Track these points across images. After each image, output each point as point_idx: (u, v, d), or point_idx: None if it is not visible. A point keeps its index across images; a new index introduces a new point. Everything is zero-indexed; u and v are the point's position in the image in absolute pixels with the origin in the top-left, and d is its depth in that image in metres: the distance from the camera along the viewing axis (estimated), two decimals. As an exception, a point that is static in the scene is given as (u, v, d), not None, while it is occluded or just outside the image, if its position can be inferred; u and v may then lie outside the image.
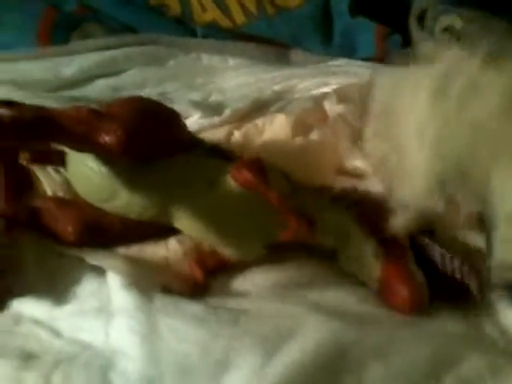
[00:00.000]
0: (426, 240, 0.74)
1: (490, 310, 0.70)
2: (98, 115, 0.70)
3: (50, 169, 0.85)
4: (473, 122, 0.75)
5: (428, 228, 0.75)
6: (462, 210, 0.75)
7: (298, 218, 0.69)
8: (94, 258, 0.71)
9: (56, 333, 0.65)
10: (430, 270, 0.71)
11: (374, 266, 0.71)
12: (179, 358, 0.58)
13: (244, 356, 0.58)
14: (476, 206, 0.75)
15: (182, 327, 0.61)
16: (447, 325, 0.67)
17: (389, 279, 0.70)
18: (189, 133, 0.83)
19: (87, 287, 0.69)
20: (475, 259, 0.73)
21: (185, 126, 0.83)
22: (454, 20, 1.23)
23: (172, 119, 0.79)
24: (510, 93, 0.75)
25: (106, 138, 0.68)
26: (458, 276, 0.70)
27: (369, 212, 0.76)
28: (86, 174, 0.75)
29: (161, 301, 0.65)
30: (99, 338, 0.63)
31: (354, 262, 0.74)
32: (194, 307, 0.64)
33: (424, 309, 0.68)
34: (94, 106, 0.79)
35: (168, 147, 0.75)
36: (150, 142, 0.72)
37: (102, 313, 0.65)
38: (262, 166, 0.73)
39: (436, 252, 0.72)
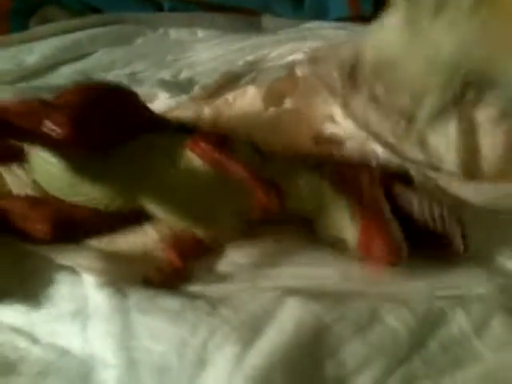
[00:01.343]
0: (403, 188, 0.71)
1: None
2: (46, 106, 0.67)
3: (14, 166, 0.82)
4: (451, 23, 0.78)
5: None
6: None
7: (265, 187, 0.66)
8: (65, 258, 0.68)
9: (34, 339, 0.62)
10: (409, 222, 0.68)
11: (351, 227, 0.69)
12: (156, 358, 0.56)
13: (222, 349, 0.55)
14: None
15: (158, 325, 0.58)
16: (431, 285, 0.64)
17: (367, 238, 0.67)
18: (152, 113, 0.79)
19: (63, 288, 0.66)
20: (456, 208, 0.70)
21: (145, 106, 0.79)
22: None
23: (127, 101, 0.75)
24: None
25: (54, 129, 0.64)
26: (438, 225, 0.67)
27: (344, 170, 0.74)
28: (46, 168, 0.72)
29: (136, 297, 0.62)
30: (77, 344, 0.60)
31: (331, 226, 0.72)
32: (170, 301, 0.61)
33: (403, 262, 0.65)
34: (50, 96, 0.76)
35: (124, 131, 0.71)
36: (102, 128, 0.69)
37: (78, 315, 0.62)
38: (222, 136, 0.70)
39: (414, 200, 0.69)
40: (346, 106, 0.89)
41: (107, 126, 0.70)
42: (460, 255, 0.67)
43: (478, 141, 0.82)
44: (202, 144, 0.68)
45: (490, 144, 0.81)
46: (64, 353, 0.60)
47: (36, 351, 0.61)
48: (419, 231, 0.68)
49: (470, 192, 0.78)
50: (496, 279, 0.64)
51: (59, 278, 0.67)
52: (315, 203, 0.73)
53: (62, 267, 0.68)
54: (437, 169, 0.81)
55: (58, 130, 0.64)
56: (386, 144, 0.82)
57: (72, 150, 0.68)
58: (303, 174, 0.74)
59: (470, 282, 0.64)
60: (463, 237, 0.67)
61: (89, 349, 0.60)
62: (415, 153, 0.82)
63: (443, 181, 0.79)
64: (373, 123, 0.86)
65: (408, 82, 0.83)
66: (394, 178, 0.73)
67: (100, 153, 0.69)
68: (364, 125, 0.86)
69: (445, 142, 0.82)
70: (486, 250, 0.70)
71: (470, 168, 0.81)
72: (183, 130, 0.75)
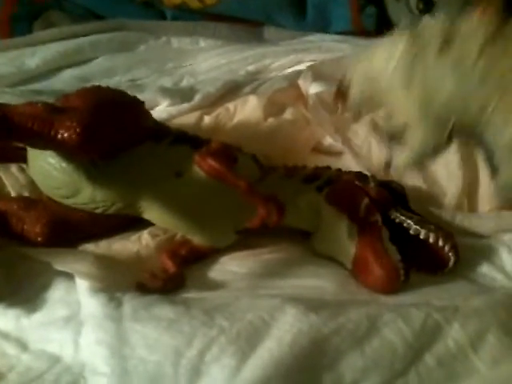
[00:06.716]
0: (399, 213, 0.72)
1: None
2: (54, 110, 0.67)
3: (13, 168, 0.82)
4: (456, 64, 0.76)
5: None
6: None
7: (267, 205, 0.65)
8: (60, 263, 0.67)
9: (23, 346, 0.61)
10: (404, 239, 0.69)
11: (348, 246, 0.69)
12: (150, 368, 0.55)
13: (219, 360, 0.55)
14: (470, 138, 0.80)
15: (154, 334, 0.57)
16: (428, 297, 0.64)
17: (363, 258, 0.68)
18: (154, 121, 0.80)
19: (56, 293, 0.65)
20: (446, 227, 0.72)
21: (148, 114, 0.79)
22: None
23: (133, 109, 0.75)
24: (491, 34, 0.75)
25: (64, 135, 0.64)
26: (431, 240, 0.68)
27: (342, 191, 0.74)
28: (46, 170, 0.72)
29: (131, 304, 0.61)
30: (68, 351, 0.59)
31: (328, 243, 0.72)
32: (165, 309, 0.60)
33: (399, 286, 0.66)
34: (50, 100, 0.76)
35: (130, 138, 0.71)
36: (110, 135, 0.69)
37: (71, 322, 0.62)
38: (228, 152, 0.70)
39: (409, 220, 0.71)
40: (346, 141, 0.89)
41: (115, 133, 0.69)
42: (450, 265, 0.68)
43: (478, 172, 0.82)
44: (210, 161, 0.69)
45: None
46: (55, 360, 0.59)
47: (25, 358, 0.60)
48: (413, 246, 0.69)
49: (474, 222, 0.78)
50: (492, 293, 0.64)
51: (53, 282, 0.66)
52: (313, 220, 0.73)
53: (57, 272, 0.67)
54: (439, 202, 0.81)
55: (69, 136, 0.64)
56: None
57: (78, 154, 0.68)
58: (301, 189, 0.74)
59: (465, 294, 0.64)
60: (454, 248, 0.68)
61: (80, 356, 0.59)
62: (417, 183, 0.82)
63: (447, 214, 0.78)
64: (375, 154, 0.87)
65: (399, 116, 0.82)
66: (390, 196, 0.74)
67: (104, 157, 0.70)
68: (366, 156, 0.87)
69: (446, 173, 0.83)
70: (480, 270, 0.71)
71: (471, 198, 0.81)
72: (185, 139, 0.75)
